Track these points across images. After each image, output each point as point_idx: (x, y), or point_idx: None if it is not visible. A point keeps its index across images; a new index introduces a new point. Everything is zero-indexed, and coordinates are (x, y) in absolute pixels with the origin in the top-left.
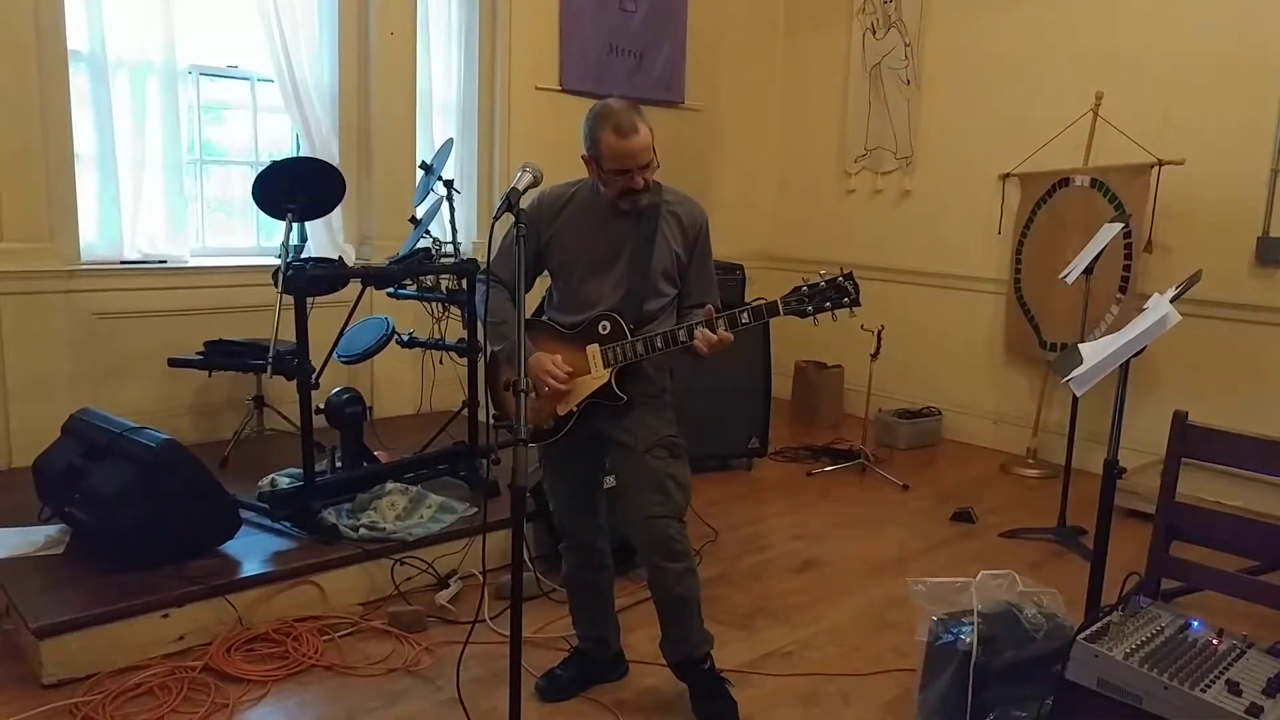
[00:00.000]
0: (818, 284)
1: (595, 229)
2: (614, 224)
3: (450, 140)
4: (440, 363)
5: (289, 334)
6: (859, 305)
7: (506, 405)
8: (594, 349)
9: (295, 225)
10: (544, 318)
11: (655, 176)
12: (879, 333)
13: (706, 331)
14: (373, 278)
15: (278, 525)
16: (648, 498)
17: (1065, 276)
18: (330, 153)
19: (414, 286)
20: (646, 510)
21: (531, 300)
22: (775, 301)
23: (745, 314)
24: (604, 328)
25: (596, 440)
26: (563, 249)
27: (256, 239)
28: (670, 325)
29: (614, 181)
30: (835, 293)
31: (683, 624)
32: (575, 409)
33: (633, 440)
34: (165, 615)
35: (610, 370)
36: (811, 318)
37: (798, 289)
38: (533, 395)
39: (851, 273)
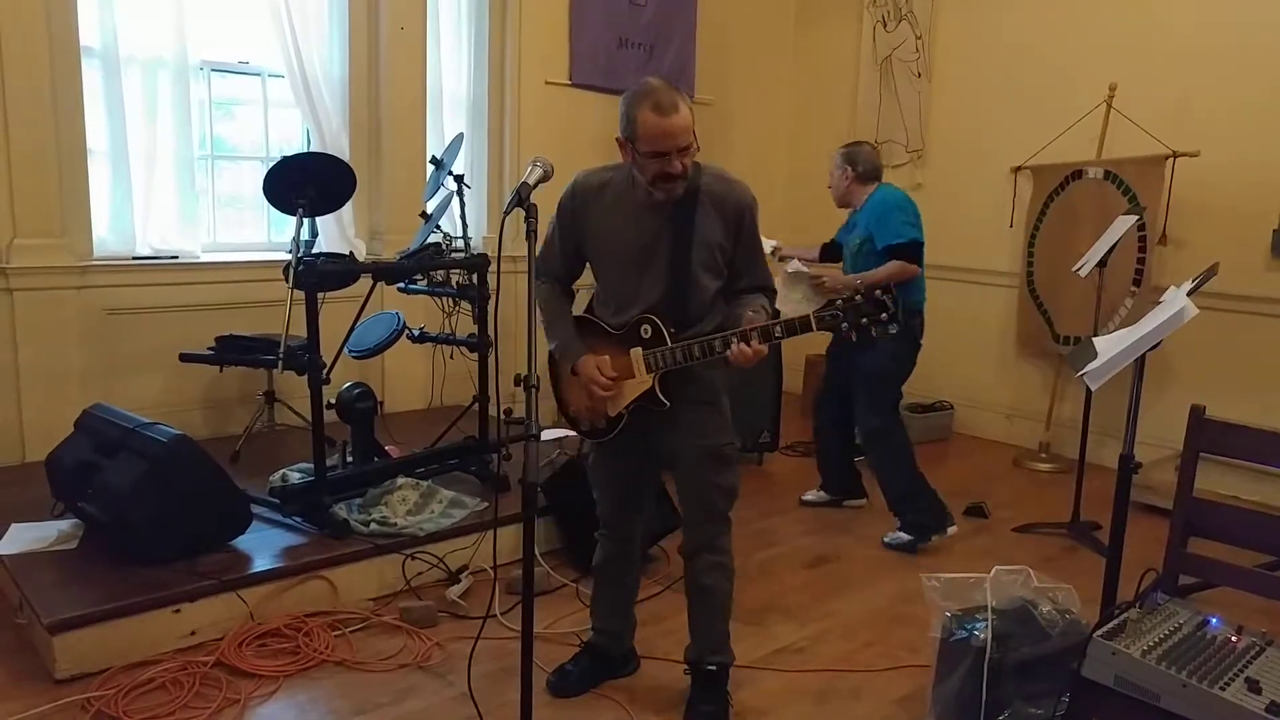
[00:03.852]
0: (854, 298)
1: (630, 223)
2: (649, 218)
3: (460, 135)
4: (451, 357)
5: (300, 329)
6: (899, 325)
7: (565, 404)
8: (637, 353)
9: (306, 220)
10: (593, 314)
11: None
12: None
13: (742, 345)
14: (383, 273)
15: (289, 520)
16: (694, 505)
17: (1079, 269)
18: (341, 148)
19: (425, 281)
20: (691, 515)
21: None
22: (808, 316)
23: (779, 328)
24: (645, 331)
25: (649, 443)
26: (598, 243)
27: (267, 234)
28: (717, 319)
29: (650, 165)
30: (873, 308)
31: (705, 618)
32: (624, 412)
33: (683, 451)
34: (177, 610)
35: (653, 376)
36: (849, 335)
37: (832, 302)
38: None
39: (891, 285)
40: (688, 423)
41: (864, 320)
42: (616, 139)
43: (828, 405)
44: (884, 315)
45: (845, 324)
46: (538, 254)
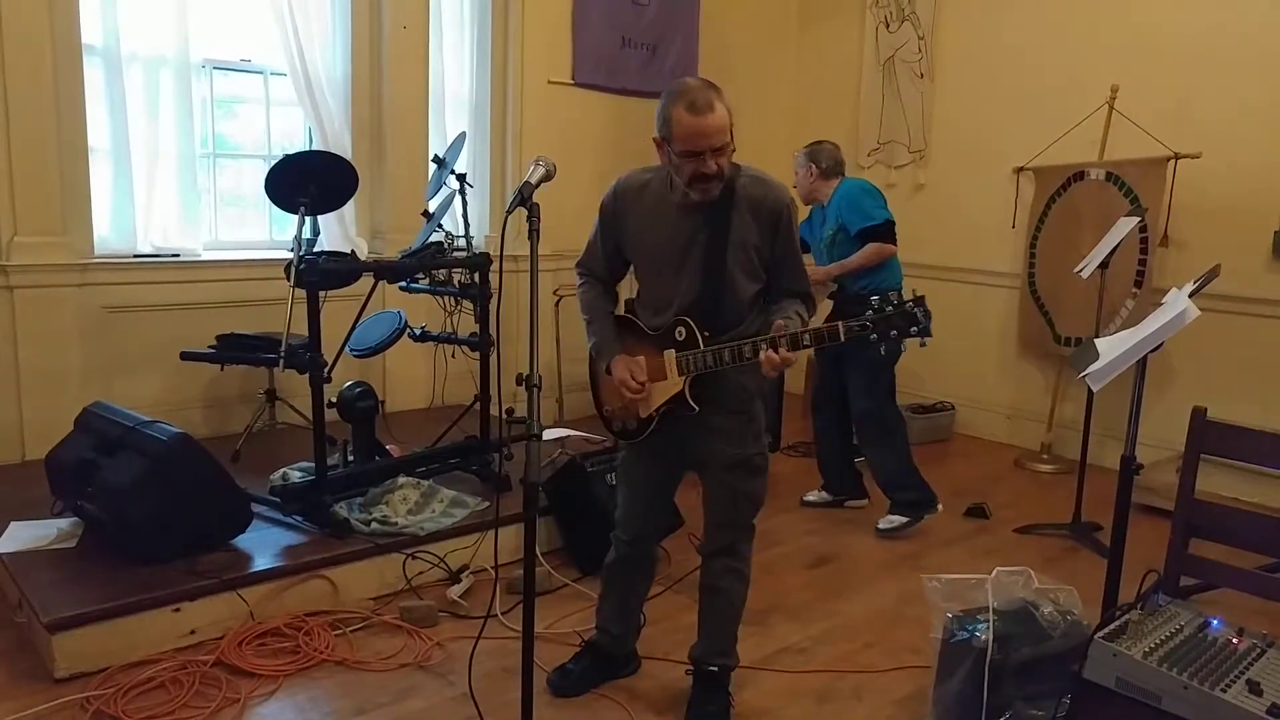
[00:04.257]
0: (884, 309)
1: (666, 224)
2: (685, 219)
3: (463, 134)
4: (452, 357)
5: (301, 328)
6: (929, 336)
7: (601, 402)
8: (670, 355)
9: (308, 219)
10: (633, 315)
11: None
12: None
13: (770, 352)
14: (385, 271)
15: (289, 519)
16: (718, 510)
17: (1081, 270)
18: (343, 146)
19: (426, 280)
20: (714, 519)
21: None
22: (837, 326)
23: (807, 336)
24: (680, 333)
25: (680, 448)
26: (636, 244)
27: (269, 232)
28: (757, 323)
29: (685, 166)
30: (903, 320)
31: (715, 620)
32: (654, 414)
33: (711, 457)
34: (177, 609)
35: (684, 379)
36: (879, 346)
37: (863, 312)
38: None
39: (923, 298)
40: (718, 429)
41: (893, 333)
42: (653, 139)
43: (826, 405)
44: (914, 329)
45: (874, 335)
46: (582, 257)
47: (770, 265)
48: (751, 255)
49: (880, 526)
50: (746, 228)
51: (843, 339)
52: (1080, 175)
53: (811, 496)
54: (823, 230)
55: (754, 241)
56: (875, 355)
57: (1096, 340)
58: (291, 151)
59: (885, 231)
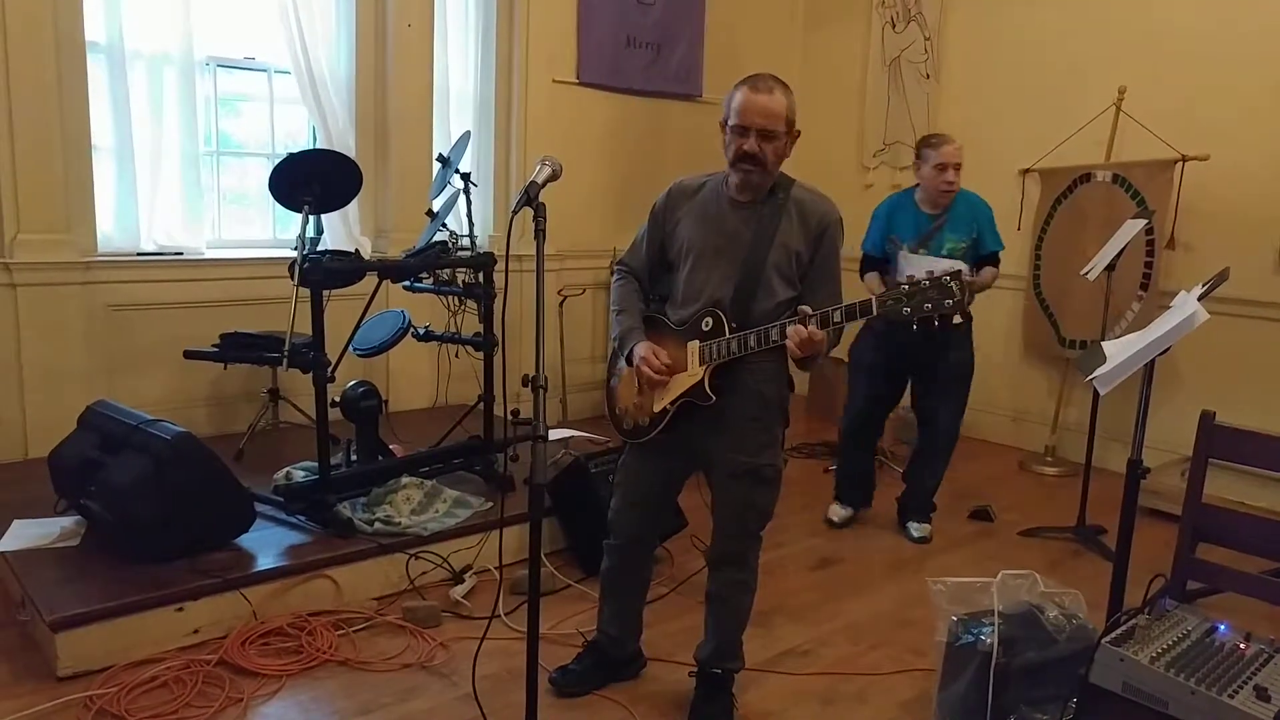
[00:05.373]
0: (920, 282)
1: (715, 218)
2: (735, 214)
3: (467, 133)
4: (456, 356)
5: (305, 327)
6: (964, 309)
7: (613, 401)
8: (694, 345)
9: (312, 218)
10: (659, 313)
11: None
12: None
13: (799, 328)
14: (389, 271)
15: (292, 519)
16: (726, 517)
17: (1087, 273)
18: (347, 145)
19: (430, 280)
20: (722, 527)
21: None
22: (869, 299)
23: (838, 312)
24: (706, 324)
25: (690, 445)
26: (681, 235)
27: (273, 231)
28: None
29: (732, 143)
30: (938, 293)
31: (720, 626)
32: (669, 407)
33: (722, 462)
34: (180, 608)
35: (705, 368)
36: (911, 321)
37: (897, 285)
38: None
39: (960, 272)
40: (733, 434)
41: (927, 305)
42: (720, 122)
43: (869, 424)
44: (949, 301)
45: (908, 309)
46: (625, 252)
47: (805, 276)
48: (792, 259)
49: (919, 535)
50: (792, 231)
51: (875, 312)
52: (1086, 177)
53: (837, 519)
54: (944, 235)
55: (796, 247)
56: (971, 366)
57: (1104, 343)
58: (295, 150)
59: (999, 259)
